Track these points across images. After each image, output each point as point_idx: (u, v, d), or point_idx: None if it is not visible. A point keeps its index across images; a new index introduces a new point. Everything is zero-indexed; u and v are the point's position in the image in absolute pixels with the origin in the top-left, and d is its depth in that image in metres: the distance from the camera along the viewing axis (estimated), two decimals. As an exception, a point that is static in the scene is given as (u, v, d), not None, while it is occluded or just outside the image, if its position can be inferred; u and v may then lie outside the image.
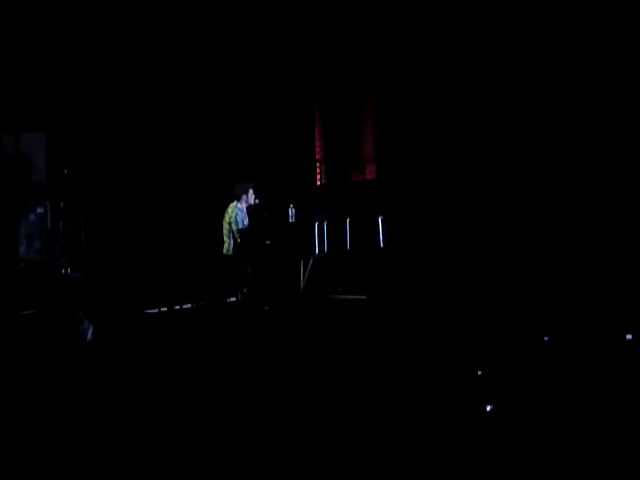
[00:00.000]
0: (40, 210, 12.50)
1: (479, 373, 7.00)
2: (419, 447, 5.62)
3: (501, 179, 13.16)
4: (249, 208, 11.60)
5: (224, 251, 11.49)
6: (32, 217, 12.46)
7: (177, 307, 11.83)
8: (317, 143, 14.49)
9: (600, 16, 12.54)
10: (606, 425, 5.77)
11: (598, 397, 6.32)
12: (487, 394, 6.41)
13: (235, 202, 11.50)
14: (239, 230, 11.37)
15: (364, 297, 11.93)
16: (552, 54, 12.90)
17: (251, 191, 11.53)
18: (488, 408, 6.07)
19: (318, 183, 14.42)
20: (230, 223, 11.38)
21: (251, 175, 12.26)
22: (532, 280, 11.93)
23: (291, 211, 11.82)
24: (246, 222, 11.51)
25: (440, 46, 13.48)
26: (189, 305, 11.91)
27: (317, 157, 14.48)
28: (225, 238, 11.46)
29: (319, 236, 12.00)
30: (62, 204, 12.51)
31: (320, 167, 14.44)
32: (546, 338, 8.15)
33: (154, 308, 11.68)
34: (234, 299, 11.75)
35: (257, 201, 11.63)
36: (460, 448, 5.53)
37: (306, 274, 11.97)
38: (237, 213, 11.41)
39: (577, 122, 12.77)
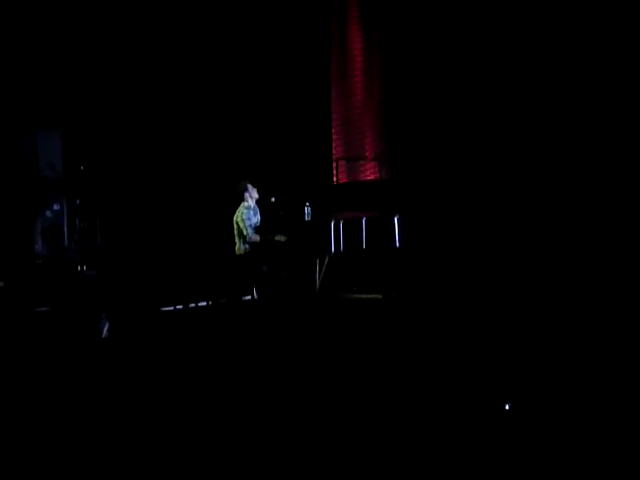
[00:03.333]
0: (56, 207, 12.51)
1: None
2: (432, 446, 5.60)
3: (518, 178, 13.11)
4: (259, 204, 11.55)
5: (236, 251, 11.46)
6: (48, 214, 12.48)
7: (192, 305, 11.83)
8: (334, 142, 14.46)
9: (602, 16, 12.51)
10: (612, 427, 5.75)
11: (606, 399, 6.30)
12: (504, 394, 6.38)
13: (242, 202, 11.44)
14: (250, 226, 11.30)
15: (380, 296, 11.90)
16: (560, 51, 12.86)
17: (250, 186, 11.44)
18: (507, 407, 6.05)
19: (334, 182, 14.38)
20: (238, 222, 11.34)
21: (266, 173, 12.26)
22: (548, 279, 11.89)
23: (307, 210, 11.80)
24: (254, 220, 11.41)
25: (455, 43, 13.45)
26: (204, 303, 11.90)
27: (333, 156, 14.45)
28: (236, 239, 11.42)
29: (335, 235, 11.99)
30: (78, 201, 12.52)
31: (336, 166, 14.40)
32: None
33: (170, 306, 11.69)
34: (249, 297, 11.73)
35: (273, 199, 11.59)
36: (475, 446, 5.51)
37: (322, 273, 11.95)
38: (243, 212, 11.34)
39: (589, 122, 12.71)
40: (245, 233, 11.26)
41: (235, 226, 11.38)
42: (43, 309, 11.04)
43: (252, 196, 11.45)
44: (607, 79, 12.56)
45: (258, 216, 11.49)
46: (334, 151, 14.42)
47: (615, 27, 12.43)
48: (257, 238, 11.28)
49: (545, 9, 12.94)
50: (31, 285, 11.46)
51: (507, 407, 6.03)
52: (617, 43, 12.43)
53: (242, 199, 11.42)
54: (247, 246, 11.37)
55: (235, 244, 11.43)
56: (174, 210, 13.10)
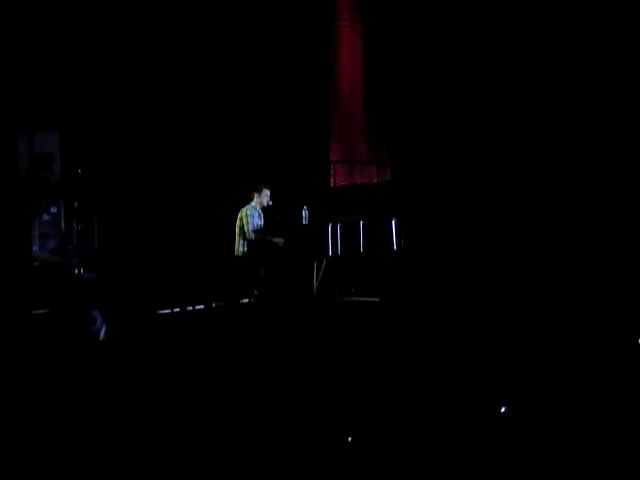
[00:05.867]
0: (54, 210, 12.49)
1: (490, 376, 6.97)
2: (429, 449, 5.59)
3: (516, 182, 13.12)
4: (264, 210, 11.57)
5: (235, 252, 11.46)
6: (46, 217, 12.45)
7: (189, 308, 11.82)
8: (331, 145, 14.48)
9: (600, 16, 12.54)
10: (614, 428, 5.74)
11: (607, 400, 6.29)
12: (500, 397, 6.38)
13: (250, 202, 11.49)
14: (254, 230, 11.32)
15: (377, 299, 11.90)
16: (559, 57, 12.87)
17: (265, 192, 11.47)
18: (502, 409, 6.05)
19: (332, 185, 14.38)
20: (242, 218, 11.36)
21: (265, 177, 12.26)
22: (548, 282, 11.90)
23: (305, 213, 11.80)
24: (258, 223, 11.44)
25: (454, 47, 13.47)
26: (201, 306, 11.89)
27: (331, 159, 14.46)
28: (236, 238, 11.43)
29: (332, 238, 11.98)
30: (76, 204, 12.50)
31: (334, 169, 14.40)
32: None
33: (167, 309, 11.68)
34: (246, 300, 11.73)
35: (270, 203, 11.57)
36: (472, 450, 5.50)
37: (319, 276, 11.94)
38: (249, 209, 11.38)
39: (592, 123, 12.71)
40: (246, 229, 11.29)
41: (238, 222, 11.39)
42: (40, 312, 11.02)
43: (262, 200, 11.47)
44: (607, 79, 12.56)
45: (262, 221, 11.50)
46: (331, 154, 14.43)
47: (615, 27, 12.44)
48: (253, 236, 11.30)
49: (541, 12, 12.95)
50: (28, 288, 11.44)
51: (503, 410, 6.03)
52: (617, 43, 12.44)
53: (251, 199, 11.48)
54: (246, 248, 11.37)
55: (235, 243, 11.44)
56: (172, 213, 13.10)
